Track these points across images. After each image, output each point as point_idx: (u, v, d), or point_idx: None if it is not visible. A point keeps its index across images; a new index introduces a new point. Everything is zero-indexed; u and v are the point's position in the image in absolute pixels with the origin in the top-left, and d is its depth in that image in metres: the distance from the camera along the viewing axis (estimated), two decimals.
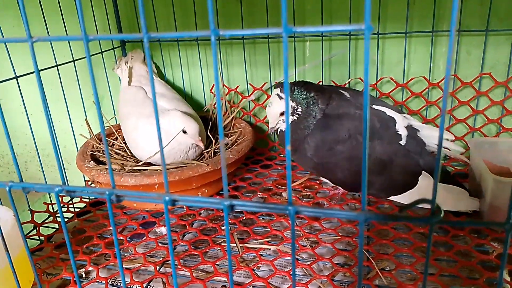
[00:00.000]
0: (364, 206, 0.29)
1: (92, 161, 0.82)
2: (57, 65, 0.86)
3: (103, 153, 0.88)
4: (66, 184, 0.36)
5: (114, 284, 0.67)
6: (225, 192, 0.32)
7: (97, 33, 0.97)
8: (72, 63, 0.90)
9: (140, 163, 0.82)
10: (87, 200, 0.91)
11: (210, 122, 0.98)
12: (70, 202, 0.91)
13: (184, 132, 0.78)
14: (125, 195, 0.34)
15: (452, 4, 0.23)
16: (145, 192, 0.34)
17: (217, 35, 0.27)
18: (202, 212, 0.83)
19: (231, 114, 1.01)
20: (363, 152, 0.27)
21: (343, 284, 0.63)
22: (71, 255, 0.40)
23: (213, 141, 0.89)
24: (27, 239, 0.78)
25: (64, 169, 0.97)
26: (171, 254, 0.35)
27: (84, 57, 0.96)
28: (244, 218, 0.80)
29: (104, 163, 0.84)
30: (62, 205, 0.90)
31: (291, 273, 0.64)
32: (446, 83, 0.25)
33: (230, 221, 0.79)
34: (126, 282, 0.65)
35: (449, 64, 0.25)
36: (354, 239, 0.72)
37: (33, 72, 0.80)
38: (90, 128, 0.94)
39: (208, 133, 0.91)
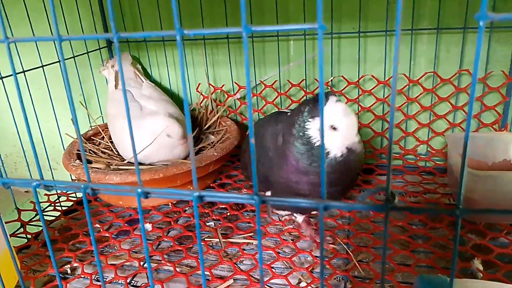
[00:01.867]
0: (323, 194, 0.31)
1: (78, 160, 0.83)
2: (42, 66, 0.87)
3: (89, 152, 0.89)
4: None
5: (99, 279, 0.68)
6: (194, 184, 0.33)
7: (83, 33, 0.98)
8: (58, 63, 0.90)
9: (125, 162, 0.83)
10: (74, 199, 0.92)
11: (196, 121, 0.99)
12: (57, 200, 0.92)
13: (169, 136, 0.80)
14: (100, 188, 0.36)
15: (396, 6, 0.25)
16: (118, 185, 0.35)
17: (182, 35, 0.29)
18: (187, 209, 0.85)
19: (217, 113, 1.02)
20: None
21: (323, 275, 0.65)
22: (50, 249, 0.41)
23: (198, 139, 0.90)
24: (14, 237, 0.80)
25: (51, 169, 0.98)
26: (145, 246, 0.37)
27: (70, 57, 0.97)
28: (229, 214, 0.82)
29: (90, 162, 0.85)
30: (49, 203, 0.91)
31: (272, 266, 0.66)
32: (394, 81, 0.27)
33: (214, 217, 0.81)
34: (111, 278, 0.66)
35: (396, 61, 0.26)
36: (334, 232, 0.73)
37: (18, 73, 0.81)
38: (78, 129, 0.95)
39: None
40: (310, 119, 0.59)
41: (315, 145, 0.59)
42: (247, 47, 0.29)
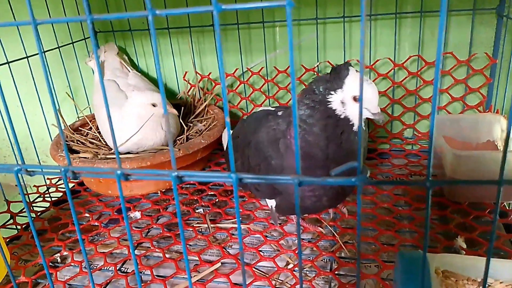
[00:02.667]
0: (298, 170, 0.31)
1: None
2: (27, 57, 0.86)
3: (77, 143, 0.90)
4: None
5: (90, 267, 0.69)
6: (173, 164, 0.34)
7: (68, 27, 0.98)
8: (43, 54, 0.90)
9: (112, 151, 0.83)
10: (64, 189, 0.92)
11: (183, 109, 0.99)
12: (47, 192, 0.92)
13: (154, 105, 0.80)
14: (80, 171, 0.36)
15: None
16: (98, 167, 0.36)
17: (153, 15, 0.29)
18: None
19: (204, 101, 1.03)
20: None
21: (310, 257, 0.66)
22: (35, 236, 0.41)
23: (185, 128, 0.91)
24: (4, 229, 0.80)
25: (40, 161, 0.98)
26: (127, 227, 0.37)
27: (55, 48, 0.96)
28: (217, 200, 0.82)
29: (77, 152, 0.85)
30: (38, 194, 0.91)
31: (260, 249, 0.67)
32: (361, 64, 0.27)
33: (203, 204, 0.81)
34: (101, 265, 0.67)
35: (362, 46, 0.27)
36: (321, 216, 0.74)
37: (3, 64, 0.81)
38: (63, 119, 0.95)
39: (181, 120, 0.92)
40: (332, 92, 0.56)
41: (341, 117, 0.56)
42: (218, 26, 0.29)
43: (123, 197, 0.36)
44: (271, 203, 0.69)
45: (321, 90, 0.57)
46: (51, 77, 0.96)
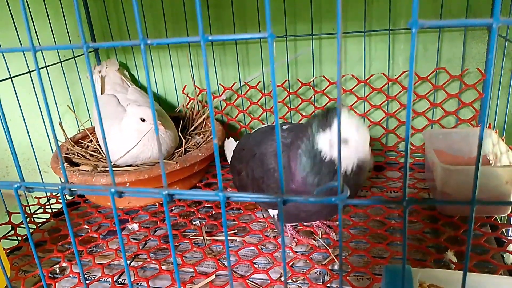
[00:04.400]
0: (282, 189, 0.33)
1: (65, 163, 0.85)
2: (29, 71, 0.89)
3: (77, 155, 0.92)
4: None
5: (87, 278, 0.70)
6: (164, 183, 0.36)
7: (70, 41, 1.00)
8: (45, 69, 0.93)
9: (112, 164, 0.85)
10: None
11: (182, 122, 1.01)
12: (47, 203, 0.94)
13: (143, 120, 0.82)
14: (77, 188, 0.38)
15: (337, 9, 0.27)
16: (93, 185, 0.37)
17: (145, 44, 0.31)
18: (173, 208, 0.87)
19: (203, 114, 1.05)
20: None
21: (303, 269, 0.67)
22: (32, 246, 0.43)
23: (184, 140, 0.93)
24: (5, 240, 0.82)
25: (41, 172, 1.00)
26: (119, 237, 0.39)
27: (57, 63, 0.99)
28: (214, 212, 0.84)
29: (77, 165, 0.87)
30: (39, 206, 0.93)
31: (254, 261, 0.68)
32: (338, 79, 0.29)
33: (200, 216, 0.83)
34: (98, 276, 0.68)
35: (338, 65, 0.29)
36: (314, 228, 0.76)
37: (6, 79, 0.83)
38: (64, 132, 0.97)
39: (180, 133, 0.94)
40: (320, 132, 0.56)
41: (325, 159, 0.56)
42: (206, 54, 0.31)
43: (116, 214, 0.38)
44: (274, 212, 0.71)
45: (312, 128, 0.57)
46: (53, 91, 0.98)
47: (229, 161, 0.82)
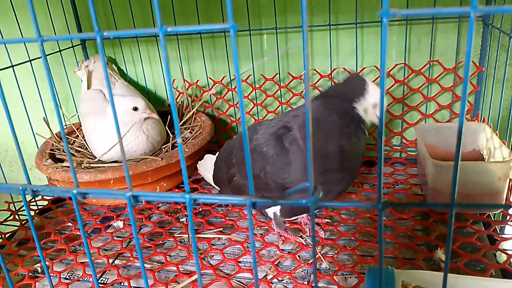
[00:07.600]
0: (251, 192, 0.31)
1: (49, 159, 0.83)
2: (12, 66, 0.86)
3: (63, 152, 0.90)
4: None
5: (69, 277, 0.69)
6: (128, 185, 0.34)
7: (55, 33, 0.98)
8: (29, 62, 0.90)
9: (95, 160, 0.83)
10: (49, 197, 0.92)
11: (170, 117, 0.99)
12: (33, 200, 0.92)
13: (135, 109, 0.80)
14: (40, 190, 0.36)
15: (301, 6, 0.25)
16: (56, 187, 0.35)
17: (102, 37, 0.29)
18: (160, 205, 0.85)
19: (192, 108, 1.03)
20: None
21: (289, 268, 0.65)
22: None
23: (171, 136, 0.91)
24: None
25: (26, 169, 0.98)
26: (84, 240, 0.37)
27: (39, 57, 0.96)
28: (201, 209, 0.82)
29: (62, 161, 0.85)
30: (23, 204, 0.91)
31: (239, 260, 0.67)
32: (306, 76, 0.27)
33: (186, 214, 0.81)
34: (79, 275, 0.67)
35: (305, 59, 0.27)
36: (302, 226, 0.74)
37: None
38: (49, 127, 0.95)
39: (168, 128, 0.92)
40: (356, 100, 0.64)
41: (361, 119, 0.64)
42: (165, 46, 0.29)
43: (80, 218, 0.36)
44: (275, 209, 0.68)
45: (346, 95, 0.64)
46: (37, 86, 0.96)
47: (209, 177, 0.81)
